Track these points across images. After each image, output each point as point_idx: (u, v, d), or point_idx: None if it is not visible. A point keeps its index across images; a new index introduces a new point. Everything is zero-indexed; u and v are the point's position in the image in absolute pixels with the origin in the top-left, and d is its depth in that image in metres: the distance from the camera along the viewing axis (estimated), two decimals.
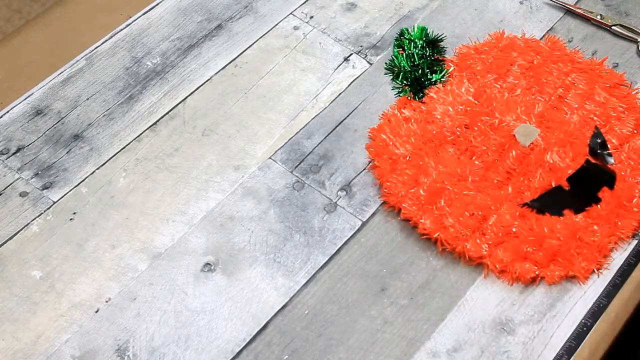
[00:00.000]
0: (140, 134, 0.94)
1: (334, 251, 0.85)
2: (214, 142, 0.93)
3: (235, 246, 0.85)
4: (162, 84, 0.98)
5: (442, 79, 0.96)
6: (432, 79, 0.95)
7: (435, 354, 0.79)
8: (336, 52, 1.00)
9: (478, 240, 0.83)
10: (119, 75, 0.98)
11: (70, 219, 0.87)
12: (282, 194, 0.89)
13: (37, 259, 0.84)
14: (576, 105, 0.93)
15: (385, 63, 0.99)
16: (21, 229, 0.86)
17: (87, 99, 0.96)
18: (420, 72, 0.96)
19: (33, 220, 0.87)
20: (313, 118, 0.95)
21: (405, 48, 0.98)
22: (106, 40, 1.01)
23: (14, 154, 0.92)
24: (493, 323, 0.80)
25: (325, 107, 0.96)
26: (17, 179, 0.90)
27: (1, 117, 0.95)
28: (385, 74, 0.98)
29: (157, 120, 0.95)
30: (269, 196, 0.89)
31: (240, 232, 0.86)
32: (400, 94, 0.96)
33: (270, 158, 0.92)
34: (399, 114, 0.93)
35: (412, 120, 0.92)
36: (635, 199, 0.86)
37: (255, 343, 0.79)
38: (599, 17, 1.02)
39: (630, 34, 1.01)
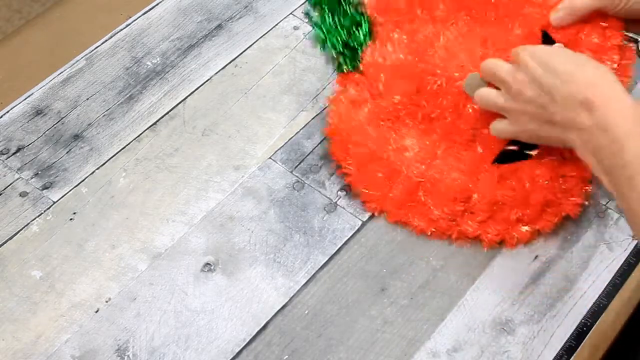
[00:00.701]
0: (140, 134, 0.94)
1: (334, 251, 0.85)
2: (214, 142, 0.93)
3: (235, 246, 0.85)
4: (162, 84, 0.98)
5: (369, 32, 0.91)
6: (359, 37, 0.90)
7: (435, 354, 0.78)
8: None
9: (469, 222, 0.84)
10: (119, 75, 0.98)
11: (70, 219, 0.87)
12: (282, 194, 0.89)
13: (37, 259, 0.84)
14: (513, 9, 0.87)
15: (313, 34, 0.95)
16: (21, 229, 0.86)
17: (87, 99, 0.96)
18: (345, 32, 0.90)
19: (33, 220, 0.87)
20: (313, 118, 0.95)
21: (321, 4, 0.93)
22: (106, 40, 1.01)
23: (14, 154, 0.92)
24: (493, 323, 0.80)
25: (326, 107, 0.95)
26: (17, 179, 0.90)
27: (1, 117, 0.95)
28: (315, 46, 0.95)
29: (157, 120, 0.95)
30: (269, 196, 0.89)
31: (240, 232, 0.86)
32: (337, 70, 0.93)
33: (270, 158, 0.92)
34: (345, 100, 0.90)
35: (360, 102, 0.89)
36: None
37: (255, 343, 0.79)
38: None
39: (630, 34, 1.01)
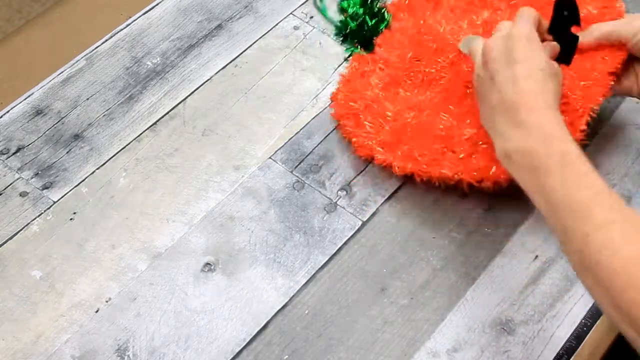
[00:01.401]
0: (140, 134, 0.94)
1: (334, 251, 0.85)
2: (214, 142, 0.93)
3: (235, 246, 0.85)
4: (162, 84, 0.98)
5: (388, 25, 0.98)
6: (378, 27, 0.98)
7: (435, 354, 0.79)
8: (336, 52, 1.00)
9: (451, 160, 0.84)
10: (119, 75, 0.98)
11: (70, 219, 0.87)
12: (282, 194, 0.89)
13: (37, 259, 0.84)
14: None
15: (335, 27, 1.01)
16: (21, 229, 0.86)
17: (87, 99, 0.96)
18: (366, 28, 0.98)
19: (33, 220, 0.87)
20: (313, 118, 0.95)
21: (347, 9, 1.01)
22: (106, 40, 1.01)
23: (14, 154, 0.92)
24: (493, 323, 0.80)
25: (325, 107, 0.96)
26: (17, 179, 0.90)
27: (1, 117, 0.95)
28: (335, 39, 1.00)
29: (157, 120, 0.95)
30: (269, 196, 0.89)
31: (240, 232, 0.86)
32: (353, 51, 0.98)
33: (270, 158, 0.92)
34: (354, 70, 0.95)
35: (368, 73, 0.94)
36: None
37: (255, 343, 0.79)
38: None
39: None
